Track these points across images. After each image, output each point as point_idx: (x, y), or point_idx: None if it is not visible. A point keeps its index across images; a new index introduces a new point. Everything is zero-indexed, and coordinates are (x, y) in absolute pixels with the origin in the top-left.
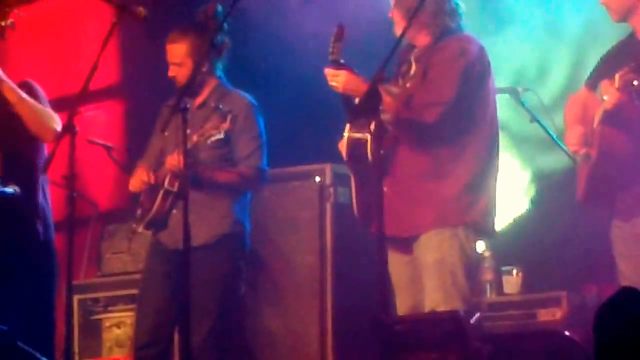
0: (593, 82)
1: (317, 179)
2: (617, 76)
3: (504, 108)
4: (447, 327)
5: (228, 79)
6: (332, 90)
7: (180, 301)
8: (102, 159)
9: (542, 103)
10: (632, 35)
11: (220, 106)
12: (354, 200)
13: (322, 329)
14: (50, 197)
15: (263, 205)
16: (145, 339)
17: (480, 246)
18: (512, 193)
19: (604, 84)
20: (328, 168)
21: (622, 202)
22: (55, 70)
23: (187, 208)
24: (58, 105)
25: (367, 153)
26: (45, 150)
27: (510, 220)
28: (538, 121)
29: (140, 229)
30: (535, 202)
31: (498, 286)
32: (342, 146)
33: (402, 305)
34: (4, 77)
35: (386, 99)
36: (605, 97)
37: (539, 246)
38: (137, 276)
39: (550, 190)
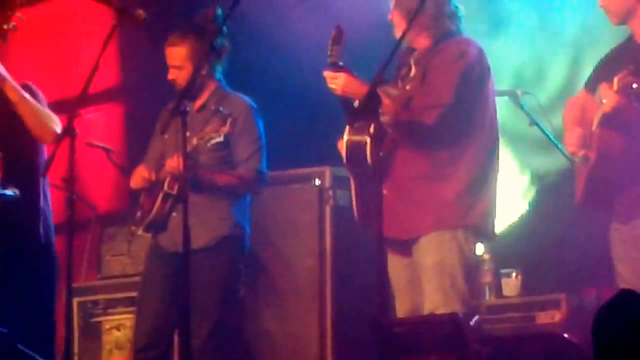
0: (592, 85)
1: (317, 181)
2: (615, 79)
3: (502, 110)
4: (446, 329)
5: (227, 82)
6: (331, 92)
7: (180, 304)
8: (102, 161)
9: (541, 106)
10: (630, 38)
11: (221, 109)
12: (353, 202)
13: (321, 331)
14: (51, 199)
15: (262, 208)
16: (144, 342)
17: (480, 249)
18: (511, 196)
19: (603, 87)
20: (327, 171)
21: (620, 204)
22: (55, 73)
23: (187, 211)
24: (58, 108)
25: (366, 156)
26: (45, 152)
27: (510, 223)
28: (537, 124)
29: (139, 232)
30: (534, 204)
31: (497, 289)
32: (341, 146)
33: (401, 308)
34: (7, 76)
35: (385, 101)
36: (604, 100)
37: (538, 249)
38: (137, 279)
39: (549, 192)
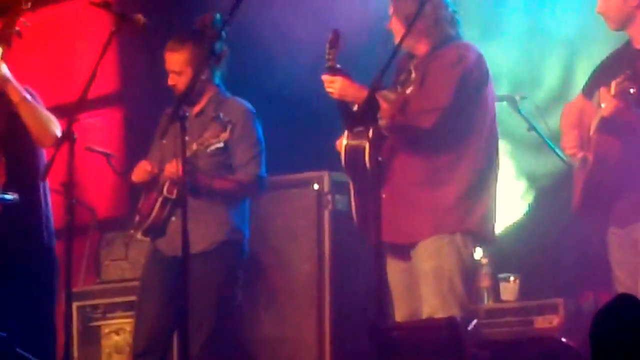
0: (589, 90)
1: (315, 186)
2: (613, 84)
3: (500, 113)
4: (444, 333)
5: (226, 87)
6: (329, 96)
7: (179, 308)
8: (101, 166)
9: (539, 110)
10: (628, 43)
11: (221, 115)
12: (352, 207)
13: (319, 336)
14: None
15: (261, 213)
16: (143, 346)
17: (478, 253)
18: (509, 200)
19: (602, 91)
20: (326, 176)
21: (618, 209)
22: (54, 77)
23: (186, 215)
24: (57, 113)
25: (365, 160)
26: (45, 156)
27: (508, 227)
28: (535, 129)
29: (138, 236)
30: (532, 209)
31: (495, 293)
32: (340, 146)
33: (400, 313)
34: (10, 77)
35: (383, 105)
36: (603, 104)
37: (536, 253)
38: (136, 283)
39: (546, 197)
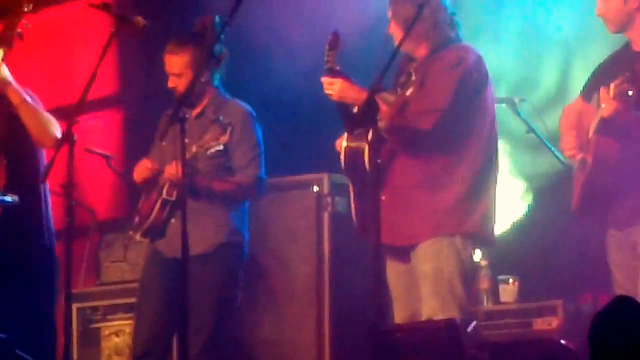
0: (588, 93)
1: (315, 188)
2: (612, 86)
3: (499, 114)
4: (443, 335)
5: (225, 90)
6: (329, 98)
7: (178, 310)
8: (101, 168)
9: (537, 111)
10: (627, 45)
11: (221, 118)
12: (352, 209)
13: (319, 337)
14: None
15: (261, 215)
16: (143, 348)
17: (477, 255)
18: (507, 201)
19: (602, 91)
20: (325, 177)
21: (617, 211)
22: (54, 79)
23: (186, 217)
24: (56, 114)
25: (364, 162)
26: (45, 158)
27: (506, 229)
28: (534, 131)
29: (137, 237)
30: (531, 211)
31: (494, 295)
32: (340, 146)
33: (399, 314)
34: (11, 79)
35: (382, 107)
36: (603, 105)
37: (535, 255)
38: (136, 285)
39: (545, 199)
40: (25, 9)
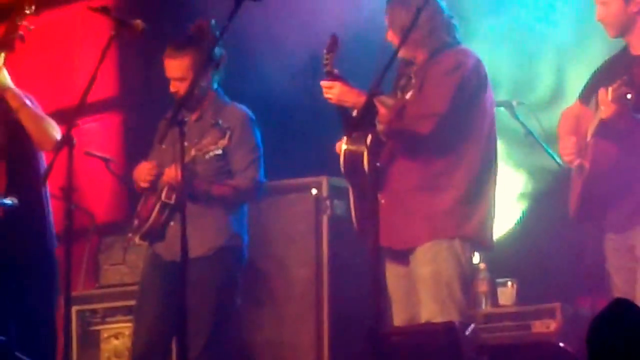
0: (586, 96)
1: (314, 191)
2: (610, 89)
3: (497, 115)
4: (442, 338)
5: (224, 93)
6: (328, 102)
7: (177, 313)
8: (100, 171)
9: (535, 114)
10: (625, 49)
11: (220, 121)
12: (352, 212)
13: (318, 340)
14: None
15: (260, 218)
16: (142, 351)
17: (475, 258)
18: (506, 204)
19: (601, 93)
20: (324, 181)
21: (615, 214)
22: (53, 82)
23: (185, 220)
24: (56, 117)
25: (363, 165)
26: (44, 161)
27: (505, 232)
28: (532, 134)
29: (136, 240)
30: (529, 214)
31: (493, 298)
32: (340, 150)
33: (398, 317)
34: (10, 84)
35: (381, 110)
36: (602, 107)
37: (534, 258)
38: (135, 287)
39: (543, 202)
40: (27, 11)
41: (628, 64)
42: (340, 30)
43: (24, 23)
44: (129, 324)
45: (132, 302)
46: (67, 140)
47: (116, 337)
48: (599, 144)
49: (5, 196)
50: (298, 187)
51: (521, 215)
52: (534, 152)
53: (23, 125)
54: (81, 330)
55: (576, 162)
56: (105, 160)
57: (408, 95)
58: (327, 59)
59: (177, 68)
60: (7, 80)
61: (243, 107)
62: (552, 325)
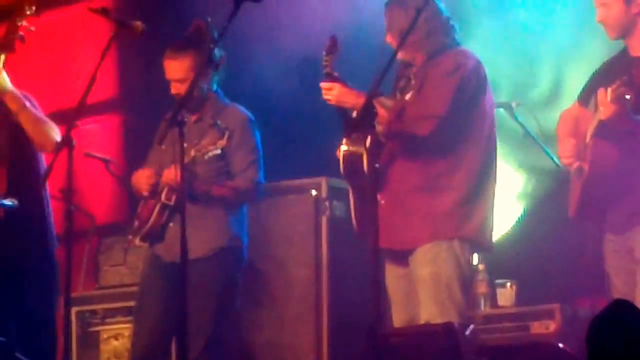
0: (585, 98)
1: (313, 192)
2: (609, 90)
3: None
4: (441, 339)
5: (224, 94)
6: (327, 103)
7: (177, 314)
8: (100, 172)
9: (534, 115)
10: (624, 51)
11: (219, 122)
12: (352, 213)
13: (317, 341)
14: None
15: (259, 219)
16: (142, 352)
17: (474, 259)
18: (505, 205)
19: (601, 94)
20: (324, 182)
21: (614, 215)
22: (53, 83)
23: (185, 221)
24: (55, 119)
25: (363, 167)
26: (44, 162)
27: (504, 233)
28: (531, 135)
29: (136, 241)
30: (529, 215)
31: (492, 299)
32: (340, 154)
33: (398, 319)
34: (9, 86)
35: (380, 111)
36: (601, 108)
37: (533, 259)
38: (135, 288)
39: (543, 203)
40: (28, 12)
41: (627, 66)
42: (339, 32)
43: (24, 24)
44: (129, 325)
45: (132, 303)
46: (67, 141)
47: (116, 338)
48: (598, 145)
49: (6, 197)
50: (297, 188)
51: (520, 216)
52: (533, 153)
53: (23, 127)
54: (81, 331)
55: (575, 165)
56: (105, 161)
57: (407, 97)
58: (326, 61)
59: (177, 69)
60: (7, 82)
61: (243, 109)
62: (552, 326)
